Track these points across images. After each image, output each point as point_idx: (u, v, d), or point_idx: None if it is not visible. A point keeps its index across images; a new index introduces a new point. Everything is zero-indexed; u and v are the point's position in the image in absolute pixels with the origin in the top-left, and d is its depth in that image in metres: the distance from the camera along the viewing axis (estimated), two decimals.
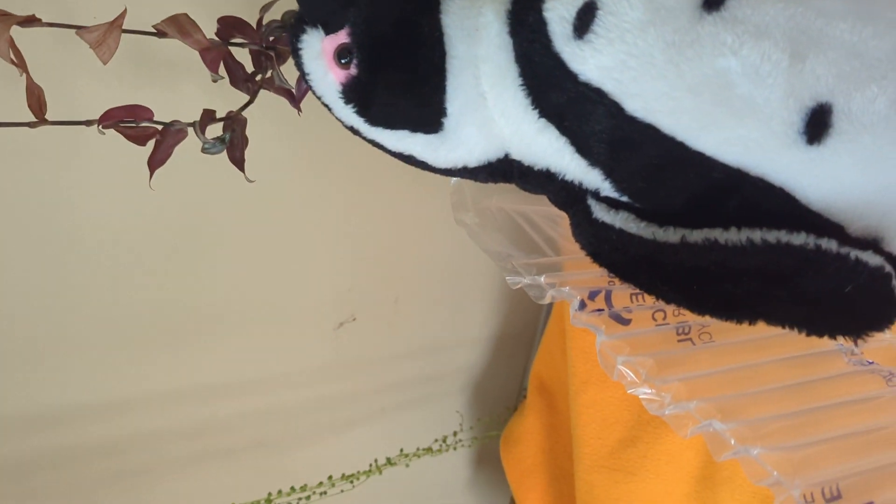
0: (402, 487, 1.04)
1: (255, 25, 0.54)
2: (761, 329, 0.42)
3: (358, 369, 0.92)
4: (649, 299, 0.49)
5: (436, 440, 0.98)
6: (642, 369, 0.43)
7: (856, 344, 0.41)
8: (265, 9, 0.55)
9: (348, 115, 0.45)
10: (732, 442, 0.43)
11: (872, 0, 0.40)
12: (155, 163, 0.50)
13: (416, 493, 1.08)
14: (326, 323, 0.86)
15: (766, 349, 0.49)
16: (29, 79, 0.42)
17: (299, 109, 0.57)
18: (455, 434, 1.01)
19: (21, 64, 0.42)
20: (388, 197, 0.81)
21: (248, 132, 0.54)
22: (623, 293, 0.49)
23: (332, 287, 0.84)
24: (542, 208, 0.54)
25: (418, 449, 0.94)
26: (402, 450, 0.92)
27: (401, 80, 0.43)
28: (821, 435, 0.47)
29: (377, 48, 0.42)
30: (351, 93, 0.44)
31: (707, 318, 0.44)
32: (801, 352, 0.50)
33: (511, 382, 1.12)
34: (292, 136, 0.71)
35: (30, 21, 0.41)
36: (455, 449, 1.00)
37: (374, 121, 0.45)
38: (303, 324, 0.85)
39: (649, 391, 0.43)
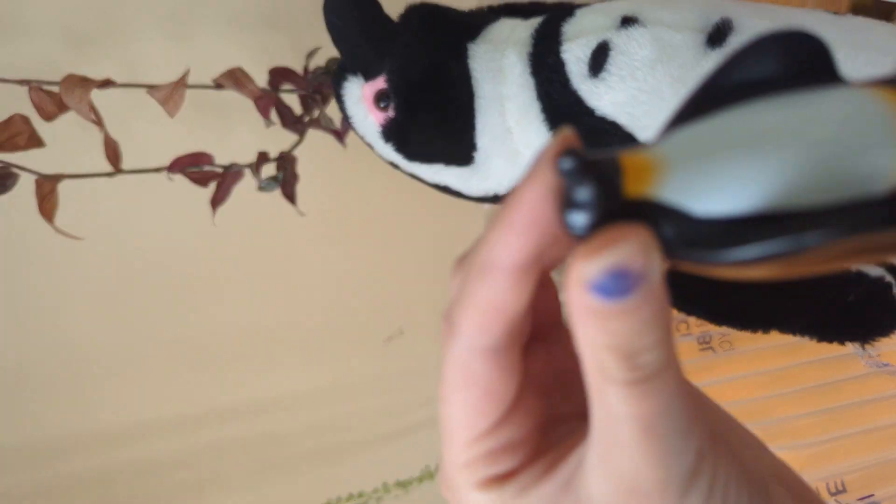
0: None
1: (301, 71, 0.59)
2: (779, 336, 0.45)
3: (407, 380, 0.96)
4: (673, 311, 0.52)
5: None
6: None
7: (863, 348, 0.44)
8: (310, 56, 0.60)
9: (388, 152, 0.50)
10: None
11: (864, 30, 0.43)
12: (217, 202, 0.55)
13: None
14: (375, 337, 0.91)
15: (786, 355, 0.52)
16: (106, 134, 0.48)
17: (344, 144, 0.62)
18: None
19: (99, 122, 0.47)
20: (433, 211, 0.85)
21: (300, 168, 0.59)
22: None
23: (380, 303, 0.89)
24: None
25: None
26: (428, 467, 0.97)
27: (434, 120, 0.47)
28: (831, 433, 0.50)
29: (412, 92, 0.47)
30: (390, 132, 0.49)
31: (727, 328, 0.47)
32: (820, 356, 0.53)
33: None
34: (340, 168, 0.76)
35: (106, 84, 0.47)
36: None
37: (411, 156, 0.49)
38: (353, 339, 0.90)
39: None
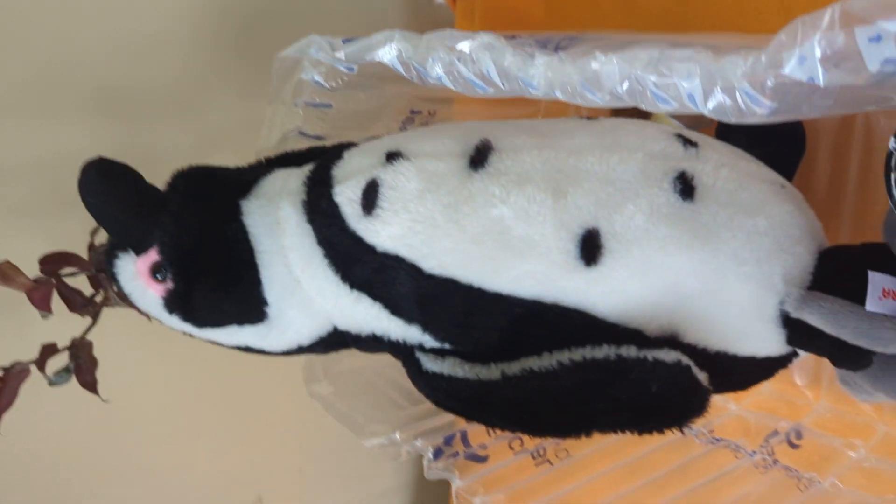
0: None
1: (87, 247, 0.56)
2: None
3: None
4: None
5: None
6: None
7: (682, 433, 0.44)
8: (94, 233, 0.57)
9: (176, 323, 0.47)
10: None
11: (614, 131, 0.46)
12: (2, 408, 0.50)
13: None
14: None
15: (623, 449, 0.52)
16: None
17: (148, 316, 0.59)
18: None
19: None
20: (264, 366, 0.82)
21: (105, 347, 0.55)
22: (480, 430, 0.51)
23: (229, 473, 0.83)
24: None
25: None
26: None
27: (216, 283, 0.46)
28: None
29: (186, 259, 0.45)
30: (172, 304, 0.46)
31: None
32: (658, 444, 0.53)
33: None
34: (149, 336, 0.72)
35: None
36: None
37: (200, 324, 0.47)
38: None
39: None
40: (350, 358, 0.59)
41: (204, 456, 0.81)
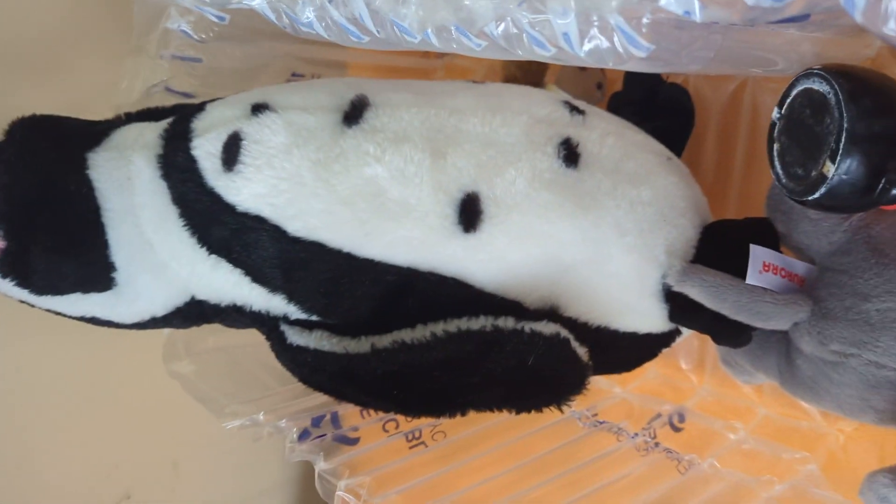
0: None
1: None
2: (490, 416, 0.42)
3: None
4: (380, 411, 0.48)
5: None
6: (362, 490, 0.41)
7: (561, 411, 0.42)
8: None
9: (11, 289, 0.42)
10: None
11: (499, 94, 0.44)
12: None
13: None
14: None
15: (504, 432, 0.50)
16: None
17: None
18: None
19: None
20: (134, 344, 0.76)
21: None
22: (353, 411, 0.48)
23: (93, 467, 0.77)
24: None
25: None
26: None
27: (55, 243, 0.41)
28: (573, 496, 0.47)
29: (20, 215, 0.40)
30: (5, 266, 0.41)
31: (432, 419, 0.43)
32: (539, 426, 0.51)
33: None
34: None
35: None
36: None
37: (39, 290, 0.42)
38: None
39: None
40: (215, 335, 0.55)
41: (64, 449, 0.74)
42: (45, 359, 0.69)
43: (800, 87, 0.36)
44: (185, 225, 0.41)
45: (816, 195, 0.34)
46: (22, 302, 0.44)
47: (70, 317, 0.44)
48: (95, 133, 0.44)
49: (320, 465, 0.43)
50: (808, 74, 0.35)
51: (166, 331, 0.53)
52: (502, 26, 0.31)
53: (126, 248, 0.42)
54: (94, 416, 0.75)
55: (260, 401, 0.47)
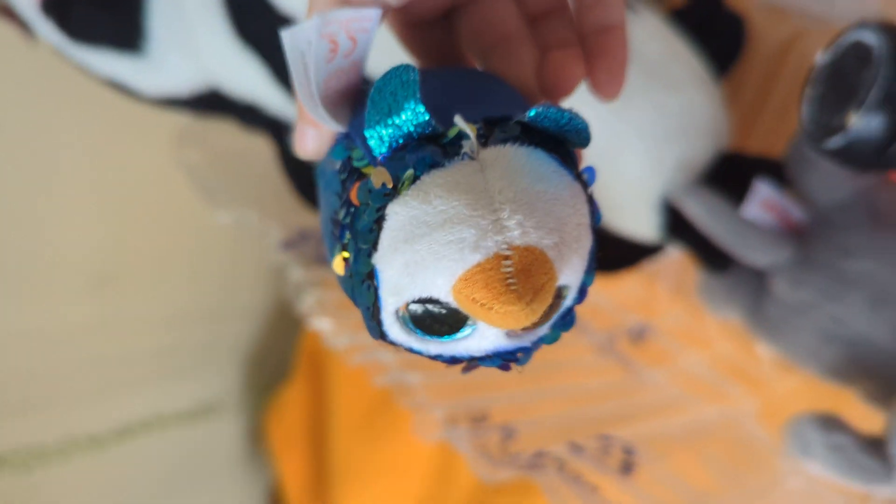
0: (160, 458, 1.00)
1: None
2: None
3: (120, 330, 0.87)
4: None
5: (200, 408, 0.95)
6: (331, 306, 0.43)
7: None
8: None
9: (50, 32, 0.43)
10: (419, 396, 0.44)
11: None
12: None
13: (174, 464, 1.03)
14: (84, 279, 0.81)
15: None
16: None
17: (26, 30, 0.53)
18: (220, 405, 0.98)
19: None
20: (152, 144, 0.77)
21: None
22: None
23: (88, 241, 0.79)
24: None
25: (179, 414, 0.91)
26: (160, 415, 0.89)
27: None
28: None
29: None
30: (50, 4, 0.42)
31: None
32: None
33: (285, 353, 1.10)
34: (29, 83, 0.66)
35: None
36: (221, 418, 0.98)
37: (74, 35, 0.43)
38: (58, 279, 0.80)
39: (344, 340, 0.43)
40: (235, 140, 0.56)
41: (61, 216, 0.76)
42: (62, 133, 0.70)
43: (851, 37, 0.36)
44: (227, 13, 0.42)
45: (831, 143, 0.35)
46: (58, 50, 0.45)
47: (100, 76, 0.46)
48: None
49: (295, 275, 0.45)
50: (863, 26, 0.35)
51: (182, 121, 0.54)
52: None
53: (162, 18, 0.42)
54: (94, 191, 0.77)
55: (262, 207, 0.48)
